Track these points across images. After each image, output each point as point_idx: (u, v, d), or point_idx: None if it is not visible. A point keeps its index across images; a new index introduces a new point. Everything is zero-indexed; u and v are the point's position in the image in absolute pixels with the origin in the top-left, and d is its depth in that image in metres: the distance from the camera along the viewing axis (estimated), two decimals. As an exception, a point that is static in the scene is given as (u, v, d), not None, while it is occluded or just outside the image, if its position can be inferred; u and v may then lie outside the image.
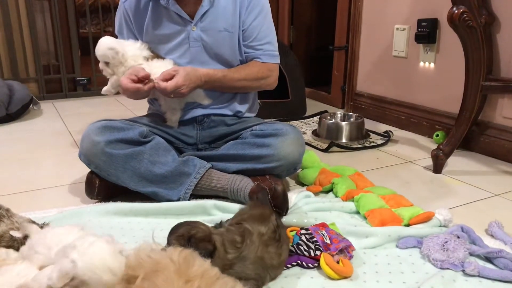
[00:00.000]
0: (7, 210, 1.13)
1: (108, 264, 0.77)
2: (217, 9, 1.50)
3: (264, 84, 1.61)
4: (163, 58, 1.52)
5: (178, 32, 1.52)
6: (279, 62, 1.62)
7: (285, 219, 1.27)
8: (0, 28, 2.96)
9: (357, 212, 1.37)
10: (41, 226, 1.08)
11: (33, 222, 1.12)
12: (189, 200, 1.41)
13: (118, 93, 1.56)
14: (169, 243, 0.91)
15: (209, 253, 0.85)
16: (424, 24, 2.17)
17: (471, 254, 1.12)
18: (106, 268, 0.76)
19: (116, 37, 1.61)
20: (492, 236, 1.24)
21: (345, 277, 1.04)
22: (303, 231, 1.14)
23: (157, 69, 1.44)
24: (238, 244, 0.90)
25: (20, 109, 2.60)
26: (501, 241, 1.20)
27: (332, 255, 1.07)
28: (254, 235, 0.92)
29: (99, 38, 1.51)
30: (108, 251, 0.79)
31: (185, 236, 0.90)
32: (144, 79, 1.40)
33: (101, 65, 1.51)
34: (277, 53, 1.61)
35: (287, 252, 1.05)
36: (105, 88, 1.56)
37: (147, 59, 1.49)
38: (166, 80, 1.38)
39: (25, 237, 1.04)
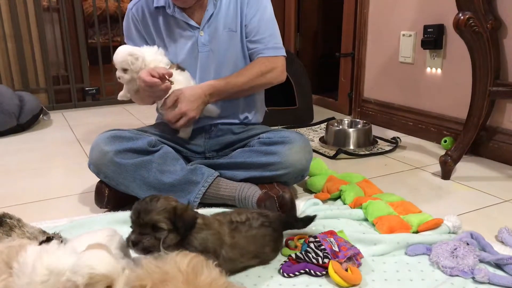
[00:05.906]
0: (19, 220, 1.14)
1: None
2: (221, 10, 1.54)
3: (271, 78, 1.57)
4: (182, 69, 1.53)
5: (187, 38, 1.54)
6: (284, 54, 1.60)
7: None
8: (11, 39, 3.01)
9: (365, 219, 1.37)
10: (52, 236, 1.09)
11: (44, 232, 1.13)
12: (197, 208, 1.41)
13: (129, 101, 1.58)
14: (155, 222, 0.96)
15: (192, 223, 1.00)
16: (430, 30, 2.17)
17: (481, 261, 1.11)
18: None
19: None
20: (502, 242, 1.24)
21: (354, 285, 1.04)
22: (311, 239, 1.14)
23: (176, 82, 1.46)
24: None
25: (31, 119, 2.63)
26: (511, 247, 1.19)
27: (341, 263, 1.07)
28: (214, 219, 1.10)
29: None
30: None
31: (168, 209, 0.98)
32: (164, 76, 1.40)
33: (118, 73, 1.49)
34: (281, 45, 1.60)
35: (247, 239, 1.08)
36: (121, 93, 1.58)
37: (167, 66, 1.50)
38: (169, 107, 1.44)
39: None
